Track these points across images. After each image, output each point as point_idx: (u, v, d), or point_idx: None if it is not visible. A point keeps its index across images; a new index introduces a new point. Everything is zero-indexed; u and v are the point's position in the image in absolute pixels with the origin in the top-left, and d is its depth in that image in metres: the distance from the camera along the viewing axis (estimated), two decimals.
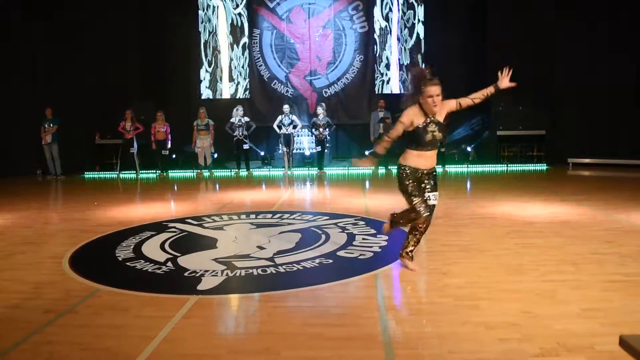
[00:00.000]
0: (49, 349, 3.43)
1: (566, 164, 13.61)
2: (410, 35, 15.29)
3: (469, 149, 14.40)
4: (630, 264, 4.94)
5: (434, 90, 4.54)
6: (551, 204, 8.26)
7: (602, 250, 5.44)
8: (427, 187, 4.72)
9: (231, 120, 13.44)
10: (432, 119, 4.61)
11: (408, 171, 4.69)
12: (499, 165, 13.76)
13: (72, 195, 11.07)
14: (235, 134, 13.31)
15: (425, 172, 4.71)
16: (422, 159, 4.68)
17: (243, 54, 15.52)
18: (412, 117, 4.60)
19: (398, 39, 15.37)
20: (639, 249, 5.45)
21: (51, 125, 13.58)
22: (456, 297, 4.15)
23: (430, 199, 4.73)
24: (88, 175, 14.35)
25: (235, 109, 13.60)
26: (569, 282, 4.43)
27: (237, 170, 13.69)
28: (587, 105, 13.74)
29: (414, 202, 4.64)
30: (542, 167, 13.60)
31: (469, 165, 13.89)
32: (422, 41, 15.22)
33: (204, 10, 15.52)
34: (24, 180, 13.55)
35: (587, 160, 13.61)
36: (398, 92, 15.30)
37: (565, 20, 13.59)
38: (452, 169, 13.53)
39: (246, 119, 13.51)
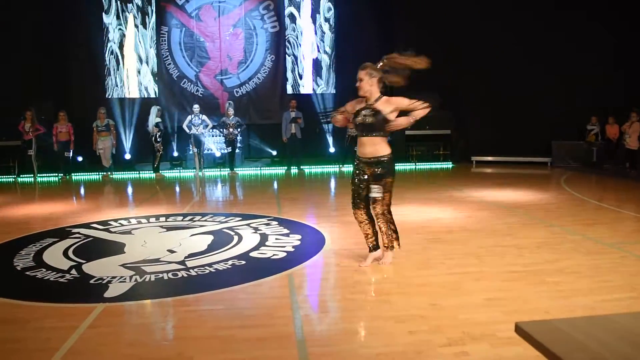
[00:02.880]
0: None
1: (470, 162, 14.31)
2: (322, 36, 15.46)
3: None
4: (527, 255, 5.27)
5: (358, 75, 4.79)
6: (456, 200, 8.66)
7: (503, 243, 5.77)
8: (370, 178, 4.77)
9: (149, 119, 12.90)
10: (368, 104, 4.76)
11: (356, 162, 4.88)
12: (407, 163, 14.22)
13: None
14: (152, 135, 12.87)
15: (363, 160, 4.79)
16: (360, 146, 4.83)
17: (152, 52, 15.04)
18: (354, 103, 4.86)
19: (317, 40, 15.48)
20: (534, 240, 5.84)
21: None
22: (367, 293, 4.25)
23: (372, 191, 4.77)
24: None
25: (153, 108, 13.03)
26: (473, 274, 4.66)
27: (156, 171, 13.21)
28: (488, 107, 14.53)
29: None
30: (448, 165, 14.22)
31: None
32: (333, 41, 15.42)
33: (108, 6, 14.87)
34: None
35: (489, 158, 14.38)
36: (310, 92, 15.43)
37: (470, 24, 14.26)
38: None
39: (158, 119, 13.06)
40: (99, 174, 13.22)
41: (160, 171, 13.26)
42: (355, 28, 15.18)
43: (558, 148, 13.95)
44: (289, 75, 15.47)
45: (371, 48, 15.02)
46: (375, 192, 4.73)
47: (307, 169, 13.59)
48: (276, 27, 15.30)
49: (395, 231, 4.98)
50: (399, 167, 13.69)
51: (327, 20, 15.45)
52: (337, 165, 13.87)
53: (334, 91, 15.48)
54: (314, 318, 3.83)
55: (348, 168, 13.59)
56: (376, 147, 4.73)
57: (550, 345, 1.63)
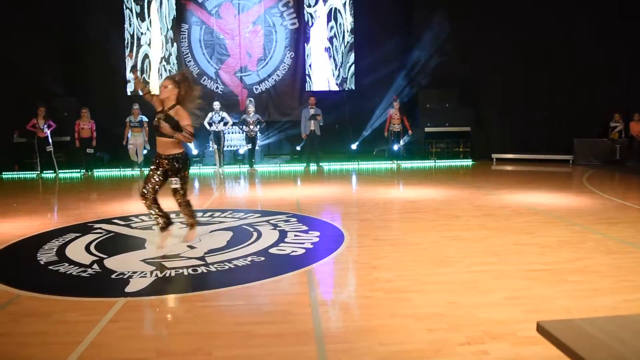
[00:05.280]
0: None
1: (490, 160, 14.19)
2: (342, 32, 15.43)
3: (396, 146, 14.71)
4: (549, 253, 5.21)
5: (164, 82, 5.51)
6: (476, 198, 8.59)
7: (523, 241, 5.71)
8: (169, 172, 5.50)
9: None
10: (163, 110, 5.42)
11: (155, 157, 5.55)
12: (427, 161, 14.15)
13: None
14: None
15: (163, 156, 5.46)
16: (157, 144, 5.48)
17: (172, 49, 15.15)
18: (158, 101, 5.52)
19: (331, 36, 15.45)
20: (555, 239, 5.76)
21: None
22: (386, 290, 4.24)
23: (172, 183, 5.53)
24: (5, 175, 13.58)
25: None
26: (493, 272, 4.62)
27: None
28: (509, 103, 14.41)
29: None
30: (468, 162, 14.11)
31: (398, 162, 14.19)
32: (352, 39, 15.38)
33: (131, 4, 15.01)
34: None
35: (509, 156, 14.24)
36: (329, 89, 15.42)
37: (491, 18, 14.13)
38: (382, 165, 13.77)
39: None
40: (119, 170, 13.36)
41: None
42: (374, 24, 15.15)
43: (580, 145, 13.75)
44: (308, 71, 15.46)
45: (390, 45, 15.05)
46: (174, 183, 5.52)
47: (326, 166, 13.59)
48: (295, 24, 15.30)
49: (193, 213, 5.81)
50: (418, 164, 13.70)
51: (345, 17, 15.39)
52: (357, 162, 13.86)
53: (352, 87, 15.45)
54: (332, 315, 3.83)
55: (380, 165, 13.56)
56: (169, 146, 5.42)
57: (573, 344, 1.61)
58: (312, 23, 15.41)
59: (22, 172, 13.62)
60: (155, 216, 5.68)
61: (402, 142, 13.67)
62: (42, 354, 3.28)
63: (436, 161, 14.09)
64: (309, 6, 15.30)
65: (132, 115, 13.16)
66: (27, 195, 10.53)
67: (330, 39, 15.47)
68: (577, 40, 13.95)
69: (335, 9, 15.40)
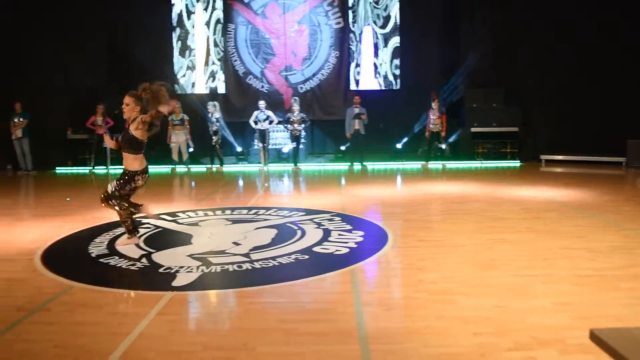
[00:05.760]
0: (22, 346, 3.38)
1: (538, 161, 13.85)
2: (387, 32, 15.33)
3: (443, 146, 14.54)
4: (600, 259, 5.05)
5: (125, 100, 5.63)
6: (523, 200, 8.40)
7: (573, 245, 5.55)
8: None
9: (207, 115, 13.44)
10: (127, 126, 5.61)
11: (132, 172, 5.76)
12: (473, 161, 13.92)
13: (43, 191, 10.87)
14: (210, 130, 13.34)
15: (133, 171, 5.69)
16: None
17: (218, 49, 15.38)
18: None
19: (374, 35, 15.38)
20: (608, 244, 5.58)
21: (21, 119, 13.29)
22: (431, 292, 4.20)
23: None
24: (60, 170, 14.08)
25: (210, 105, 13.55)
26: (541, 277, 4.52)
27: (210, 166, 13.63)
28: (558, 103, 14.02)
29: None
30: (516, 163, 13.80)
31: (443, 162, 14.03)
32: (398, 37, 15.27)
33: (176, 4, 15.31)
34: None
35: (559, 157, 13.85)
36: (374, 88, 15.35)
37: (532, 21, 13.81)
38: (426, 165, 13.62)
39: (217, 115, 13.45)
40: (167, 167, 13.66)
41: (224, 165, 13.62)
42: (420, 23, 14.99)
43: (634, 147, 13.23)
44: (353, 70, 15.43)
45: (435, 44, 14.87)
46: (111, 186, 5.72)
47: (370, 165, 13.55)
48: (340, 23, 15.29)
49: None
50: (463, 164, 13.49)
51: (391, 15, 15.29)
52: (401, 162, 13.76)
53: (398, 87, 15.34)
54: (376, 315, 3.82)
55: (410, 165, 13.46)
56: (127, 162, 5.65)
57: (628, 353, 1.56)
58: (357, 22, 15.35)
59: (75, 168, 14.09)
60: (123, 221, 5.78)
61: (438, 144, 13.48)
62: (94, 344, 3.39)
63: (482, 162, 13.85)
64: (353, 6, 15.26)
65: (173, 113, 13.40)
66: (80, 189, 10.88)
67: (376, 38, 15.38)
68: (628, 39, 13.45)
69: (381, 6, 15.31)
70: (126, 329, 3.57)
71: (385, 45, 15.36)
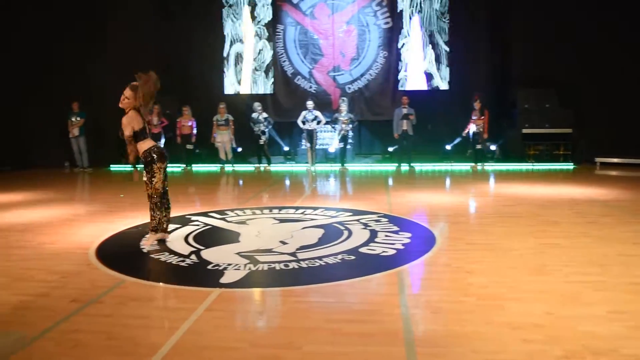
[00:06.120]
0: (75, 337, 3.50)
1: (593, 163, 13.38)
2: (435, 31, 15.14)
3: (493, 147, 14.25)
4: None
5: (124, 92, 5.65)
6: (577, 203, 8.13)
7: (629, 252, 5.34)
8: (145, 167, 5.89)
9: (252, 115, 13.62)
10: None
11: None
12: (524, 163, 13.58)
13: (98, 188, 11.24)
14: (255, 130, 13.48)
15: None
16: None
17: (267, 50, 15.53)
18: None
19: (424, 35, 15.20)
20: None
21: (78, 118, 13.81)
22: (479, 296, 4.12)
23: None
24: (114, 167, 14.55)
25: (255, 105, 13.72)
26: (594, 284, 4.36)
27: (258, 165, 13.80)
28: (614, 103, 13.51)
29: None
30: (569, 166, 13.39)
31: (493, 163, 13.75)
32: (446, 36, 15.05)
33: (227, 6, 15.55)
34: (52, 172, 13.79)
35: (615, 160, 13.34)
36: (423, 88, 15.17)
37: (588, 18, 13.38)
38: (478, 166, 13.38)
39: (264, 115, 13.62)
40: (217, 166, 13.90)
41: (272, 165, 13.77)
42: (469, 22, 14.71)
43: None
44: (401, 71, 15.30)
45: (486, 43, 14.57)
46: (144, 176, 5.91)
47: (418, 166, 13.41)
48: (389, 23, 15.19)
49: (154, 217, 5.90)
50: (514, 166, 13.17)
51: (440, 13, 15.08)
52: (450, 163, 13.57)
53: (447, 87, 15.12)
54: (423, 318, 3.78)
55: (471, 166, 13.24)
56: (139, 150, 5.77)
57: None
58: (405, 21, 15.21)
59: (128, 165, 14.50)
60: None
61: (481, 145, 13.22)
62: (144, 337, 3.48)
63: (534, 164, 13.49)
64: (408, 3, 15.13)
65: (218, 114, 13.65)
66: (133, 187, 11.16)
67: (425, 38, 15.20)
68: None
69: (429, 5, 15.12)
70: (175, 324, 3.65)
71: (435, 45, 15.15)
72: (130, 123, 5.58)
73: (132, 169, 6.21)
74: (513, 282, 4.45)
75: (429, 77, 15.22)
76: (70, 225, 7.08)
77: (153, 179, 5.81)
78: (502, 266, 4.89)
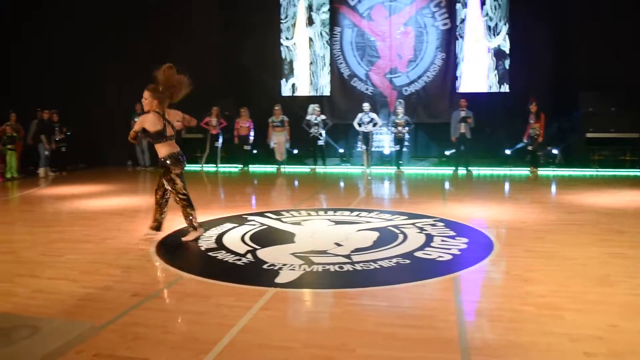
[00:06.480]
0: (135, 330, 3.63)
1: None
2: (495, 32, 14.80)
3: (555, 151, 13.81)
4: None
5: (143, 94, 5.90)
6: None
7: None
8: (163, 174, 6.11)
9: (307, 117, 13.71)
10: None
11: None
12: (588, 169, 13.08)
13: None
14: (311, 131, 13.57)
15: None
16: None
17: (324, 52, 15.60)
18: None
19: (488, 34, 14.88)
20: None
21: None
22: (538, 305, 4.00)
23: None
24: None
25: (311, 107, 13.83)
26: None
27: (313, 166, 13.88)
28: None
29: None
30: (636, 172, 12.79)
31: (555, 169, 13.31)
32: (507, 35, 14.66)
33: (284, 9, 15.72)
34: (115, 171, 14.33)
35: None
36: (482, 90, 14.85)
37: None
38: (538, 171, 12.99)
39: (322, 117, 13.70)
40: (274, 167, 14.07)
41: (326, 166, 13.84)
42: (530, 22, 14.27)
43: None
44: (459, 73, 15.03)
45: (547, 44, 14.11)
46: (164, 185, 6.15)
47: (475, 171, 13.16)
48: (447, 24, 14.96)
49: (188, 215, 6.19)
50: (577, 172, 12.71)
51: (500, 14, 14.73)
52: (509, 168, 13.25)
53: (507, 89, 14.75)
54: (479, 326, 3.71)
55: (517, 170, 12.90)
56: (158, 152, 5.98)
57: None
58: (464, 23, 14.94)
59: (188, 165, 14.85)
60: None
61: (536, 150, 12.82)
62: (201, 333, 3.57)
63: (598, 170, 12.97)
64: (463, 6, 14.86)
65: (274, 115, 13.82)
66: (191, 186, 11.43)
67: (483, 39, 14.89)
68: None
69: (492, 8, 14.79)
70: (230, 321, 3.73)
71: (495, 46, 14.82)
72: (142, 123, 5.84)
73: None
74: (574, 292, 4.29)
75: (488, 79, 14.89)
76: (132, 222, 7.33)
77: (176, 186, 6.08)
78: (563, 275, 4.73)
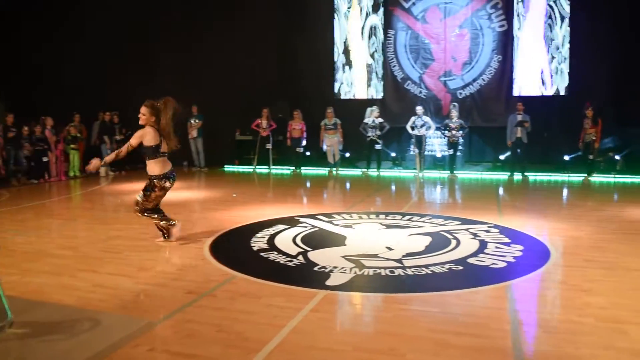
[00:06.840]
0: (189, 327, 3.71)
1: None
2: (554, 34, 14.35)
3: (617, 157, 13.27)
4: None
5: (141, 109, 5.95)
6: None
7: None
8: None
9: (365, 120, 13.66)
10: None
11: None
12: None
13: (213, 187, 11.82)
14: (368, 135, 13.51)
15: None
16: None
17: (377, 55, 15.54)
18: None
19: (545, 37, 14.47)
20: None
21: (196, 120, 14.65)
22: (598, 317, 3.84)
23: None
24: (228, 168, 15.26)
25: (369, 109, 13.78)
26: None
27: (366, 169, 13.82)
28: None
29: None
30: None
31: (616, 175, 12.79)
32: (567, 38, 14.19)
33: (339, 11, 15.75)
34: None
35: None
36: (538, 94, 14.43)
37: None
38: (597, 178, 12.52)
39: (380, 120, 13.61)
40: (325, 169, 14.11)
41: (380, 170, 13.76)
42: (592, 23, 13.76)
43: None
44: (517, 76, 14.65)
45: (606, 45, 13.54)
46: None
47: (532, 176, 12.80)
48: (504, 26, 14.61)
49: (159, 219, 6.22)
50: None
51: (560, 16, 14.27)
52: (567, 174, 12.82)
53: (564, 93, 14.26)
54: (534, 336, 3.60)
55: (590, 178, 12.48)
56: (148, 167, 6.00)
57: None
58: (522, 24, 14.57)
59: (241, 166, 15.17)
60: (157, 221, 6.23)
61: (591, 155, 12.32)
62: (251, 332, 3.61)
63: None
64: (523, 7, 14.49)
65: (326, 118, 13.85)
66: (245, 187, 11.66)
67: (542, 41, 14.47)
68: None
69: (552, 9, 14.36)
70: (281, 322, 3.75)
71: (553, 50, 14.37)
72: (141, 137, 5.84)
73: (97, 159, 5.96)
74: (637, 304, 4.11)
75: (546, 82, 14.46)
76: (187, 221, 7.48)
77: (147, 195, 6.05)
78: (624, 287, 4.53)
